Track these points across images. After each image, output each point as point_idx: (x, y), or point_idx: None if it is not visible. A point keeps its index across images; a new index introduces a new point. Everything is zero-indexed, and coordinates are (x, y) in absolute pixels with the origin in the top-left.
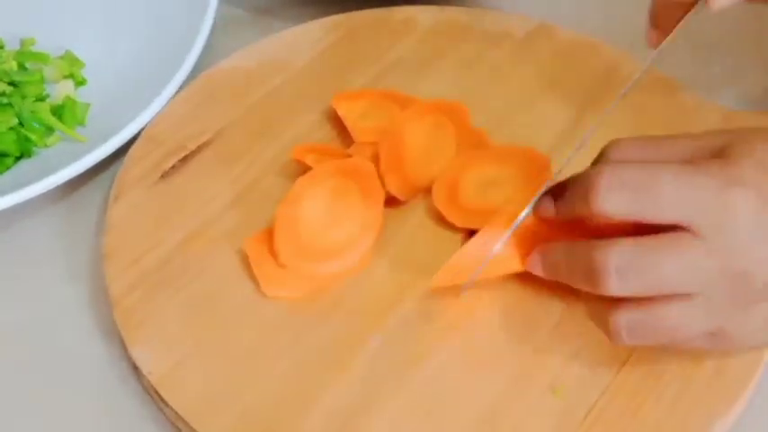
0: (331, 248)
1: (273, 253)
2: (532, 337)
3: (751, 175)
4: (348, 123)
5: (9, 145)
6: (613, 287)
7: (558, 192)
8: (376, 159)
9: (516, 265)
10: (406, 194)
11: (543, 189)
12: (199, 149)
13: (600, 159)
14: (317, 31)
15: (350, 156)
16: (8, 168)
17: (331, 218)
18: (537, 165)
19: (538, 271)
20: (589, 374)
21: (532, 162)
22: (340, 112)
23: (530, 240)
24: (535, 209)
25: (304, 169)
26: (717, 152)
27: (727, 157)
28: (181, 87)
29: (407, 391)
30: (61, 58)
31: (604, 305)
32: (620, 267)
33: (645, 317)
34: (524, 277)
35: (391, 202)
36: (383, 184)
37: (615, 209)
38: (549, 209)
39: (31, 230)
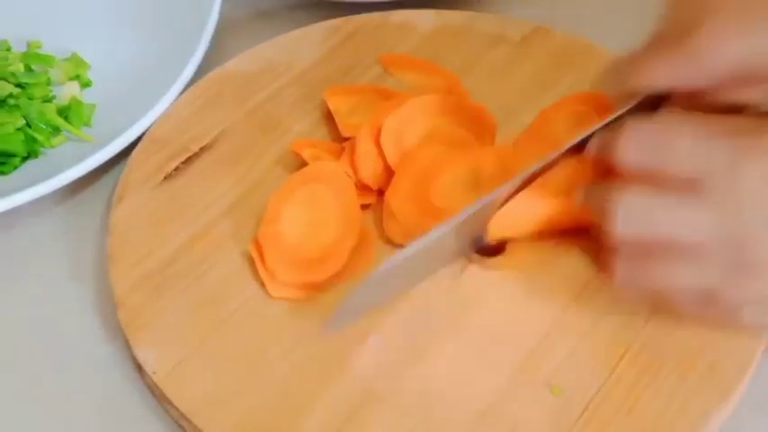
0: (319, 254)
1: (270, 272)
2: (529, 335)
3: None
4: (337, 118)
5: (16, 145)
6: (618, 225)
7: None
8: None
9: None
10: (380, 183)
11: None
12: (202, 151)
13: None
14: (318, 35)
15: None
16: (15, 168)
17: (312, 225)
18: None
19: (578, 203)
20: (586, 371)
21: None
22: (331, 107)
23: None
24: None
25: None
26: (754, 127)
27: (756, 132)
28: (184, 89)
29: (406, 390)
30: (67, 60)
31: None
32: (626, 209)
33: (640, 265)
34: (523, 274)
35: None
36: (356, 174)
37: (634, 158)
38: (593, 149)
39: (35, 231)
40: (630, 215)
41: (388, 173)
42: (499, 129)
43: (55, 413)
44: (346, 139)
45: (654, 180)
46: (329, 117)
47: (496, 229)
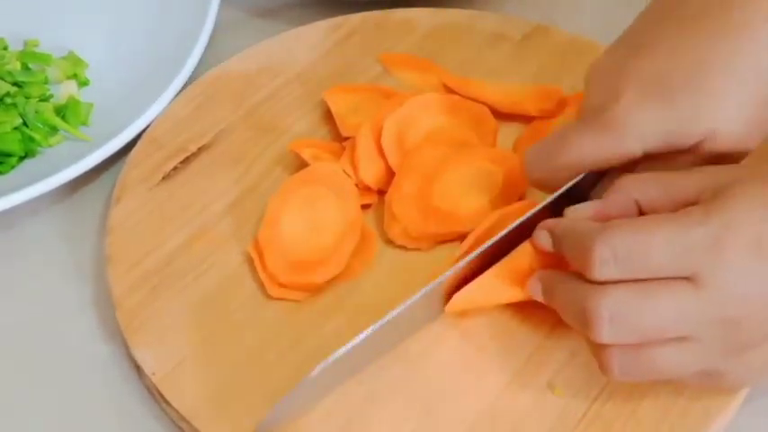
0: (320, 256)
1: (270, 274)
2: (531, 336)
3: (743, 220)
4: (337, 118)
5: (13, 145)
6: (605, 335)
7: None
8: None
9: (518, 294)
10: (381, 183)
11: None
12: (200, 151)
13: (606, 195)
14: (316, 34)
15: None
16: (12, 168)
17: (312, 227)
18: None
19: (538, 297)
20: (587, 373)
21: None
22: (331, 106)
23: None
24: (533, 241)
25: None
26: (719, 188)
27: (724, 198)
28: (182, 89)
29: (407, 391)
30: (64, 58)
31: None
32: (613, 316)
33: (636, 357)
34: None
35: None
36: (357, 174)
37: (609, 277)
38: (547, 245)
39: (33, 231)
40: (619, 321)
41: (389, 173)
42: (500, 128)
43: (53, 414)
44: (346, 139)
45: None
46: (329, 116)
47: (456, 306)
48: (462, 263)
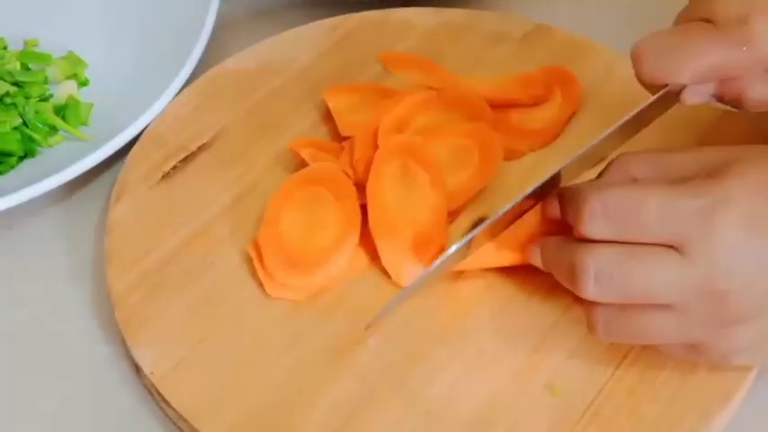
0: (320, 256)
1: (269, 274)
2: (530, 336)
3: (739, 196)
4: (337, 117)
5: (13, 145)
6: (590, 291)
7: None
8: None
9: (516, 258)
10: None
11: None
12: (200, 150)
13: (604, 172)
14: (316, 33)
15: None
16: (12, 168)
17: (312, 227)
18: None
19: (536, 261)
20: (586, 373)
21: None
22: (330, 105)
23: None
24: (543, 209)
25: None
26: (715, 168)
27: (720, 176)
28: (182, 88)
29: (406, 391)
30: (64, 58)
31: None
32: (599, 272)
33: (620, 318)
34: (522, 276)
35: None
36: (355, 173)
37: (599, 233)
38: (555, 212)
39: (32, 231)
40: (604, 278)
41: None
42: None
43: (52, 413)
44: (346, 139)
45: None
46: (329, 116)
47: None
48: (470, 235)
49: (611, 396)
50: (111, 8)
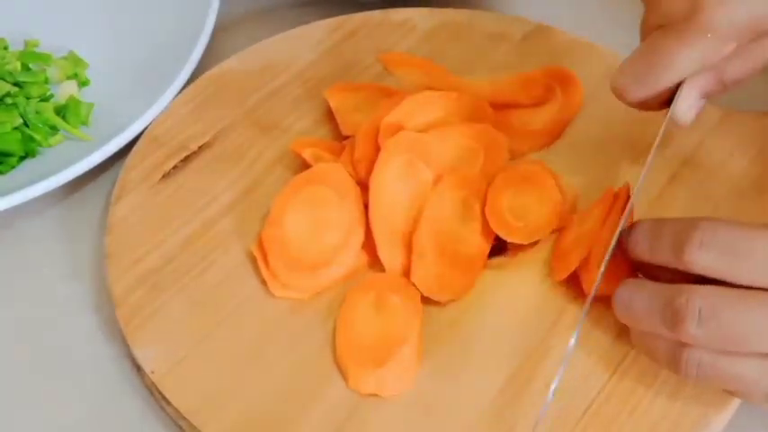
0: (324, 256)
1: (273, 274)
2: (530, 336)
3: None
4: (338, 116)
5: (13, 145)
6: (692, 330)
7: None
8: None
9: None
10: None
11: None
12: (200, 150)
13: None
14: (317, 33)
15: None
16: (12, 168)
17: (316, 227)
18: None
19: (621, 312)
20: (586, 374)
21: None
22: (332, 104)
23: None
24: (629, 248)
25: (304, 168)
26: None
27: None
28: (183, 88)
29: (407, 390)
30: (65, 58)
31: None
32: (704, 312)
33: (719, 362)
34: (523, 276)
35: None
36: (357, 173)
37: (705, 264)
38: (645, 252)
39: (33, 230)
40: (710, 317)
41: None
42: None
43: (53, 413)
44: (347, 138)
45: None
46: (330, 115)
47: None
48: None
49: (610, 397)
50: (112, 8)
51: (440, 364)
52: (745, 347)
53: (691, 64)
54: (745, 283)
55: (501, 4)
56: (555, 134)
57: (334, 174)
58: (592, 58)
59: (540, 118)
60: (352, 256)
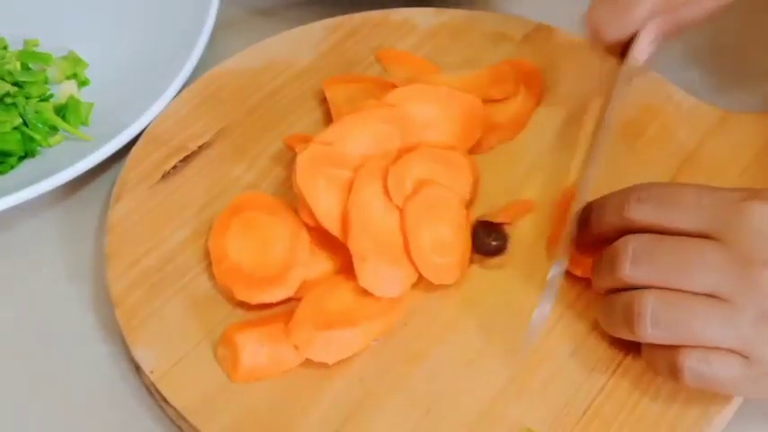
0: (280, 266)
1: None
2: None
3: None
4: (332, 107)
5: (13, 144)
6: (627, 271)
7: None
8: None
9: None
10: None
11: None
12: (200, 150)
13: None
14: (317, 33)
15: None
16: (12, 168)
17: (261, 248)
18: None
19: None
20: (587, 371)
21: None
22: (327, 95)
23: None
24: (584, 226)
25: None
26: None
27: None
28: (183, 87)
29: (406, 390)
30: (64, 58)
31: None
32: (636, 251)
33: (668, 303)
34: (523, 276)
35: None
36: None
37: (643, 216)
38: (594, 224)
39: (33, 231)
40: (639, 257)
41: None
42: None
43: (51, 412)
44: None
45: (659, 231)
46: (329, 115)
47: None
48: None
49: (610, 396)
50: (111, 8)
51: (439, 363)
52: (685, 284)
53: (617, 31)
54: (678, 225)
55: (501, 4)
56: (521, 125)
57: (257, 199)
58: (592, 59)
59: (505, 110)
60: (306, 256)
